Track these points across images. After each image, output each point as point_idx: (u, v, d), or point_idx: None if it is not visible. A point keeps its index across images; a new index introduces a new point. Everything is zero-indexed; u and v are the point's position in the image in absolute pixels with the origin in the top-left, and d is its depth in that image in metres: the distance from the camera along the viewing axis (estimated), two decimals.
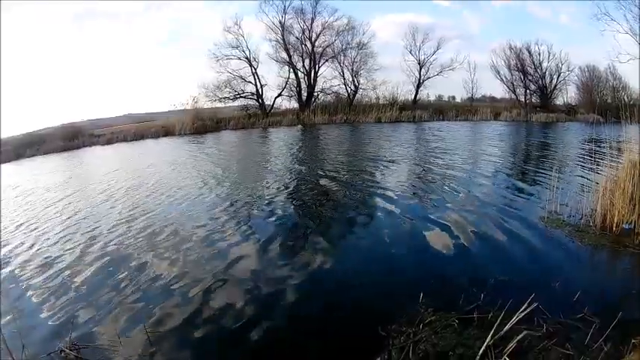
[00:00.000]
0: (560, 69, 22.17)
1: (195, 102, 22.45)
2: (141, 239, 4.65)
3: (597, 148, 5.93)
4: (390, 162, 9.10)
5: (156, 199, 6.69)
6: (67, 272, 3.94)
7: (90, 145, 19.79)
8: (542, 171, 7.33)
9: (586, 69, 21.46)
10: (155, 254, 4.13)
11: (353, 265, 3.65)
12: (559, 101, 22.83)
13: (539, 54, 22.26)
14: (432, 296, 2.92)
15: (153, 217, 5.52)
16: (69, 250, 4.60)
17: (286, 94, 24.89)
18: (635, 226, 3.66)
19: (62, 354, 2.61)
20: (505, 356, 2.46)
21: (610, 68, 20.29)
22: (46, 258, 4.43)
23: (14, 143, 19.39)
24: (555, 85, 22.46)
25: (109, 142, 19.96)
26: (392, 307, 2.82)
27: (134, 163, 12.48)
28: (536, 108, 21.99)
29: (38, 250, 4.76)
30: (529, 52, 22.46)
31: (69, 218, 6.07)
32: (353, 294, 3.12)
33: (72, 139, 19.81)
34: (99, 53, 39.40)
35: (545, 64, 22.32)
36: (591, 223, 3.98)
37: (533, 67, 22.48)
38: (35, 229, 5.73)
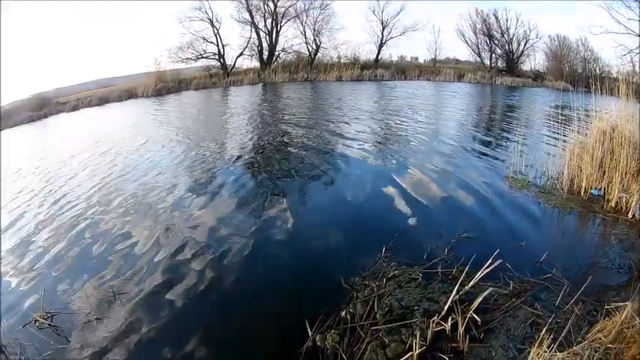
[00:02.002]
0: (528, 36, 19.48)
1: (158, 64, 19.39)
2: (107, 206, 3.95)
3: (564, 115, 5.03)
4: (349, 119, 7.78)
5: (120, 163, 5.63)
6: (37, 242, 3.34)
7: (56, 113, 17.10)
8: (507, 133, 6.39)
9: (556, 38, 19.05)
10: (122, 220, 3.50)
11: (316, 220, 3.10)
12: (526, 67, 20.25)
13: (507, 20, 19.68)
14: (395, 251, 2.46)
15: (119, 183, 4.67)
16: (38, 219, 3.90)
17: (248, 53, 21.64)
18: (604, 193, 3.05)
19: (36, 323, 2.20)
20: (471, 312, 1.94)
21: (582, 39, 17.83)
22: (15, 228, 3.76)
23: None
24: (522, 51, 19.83)
25: (74, 108, 17.22)
26: (355, 261, 2.37)
27: (96, 127, 10.79)
28: (502, 72, 19.57)
29: (6, 221, 4.02)
30: (496, 18, 19.90)
31: (35, 188, 5.11)
32: (316, 248, 2.64)
33: (39, 109, 17.16)
34: (65, 20, 31.68)
35: (512, 30, 19.70)
36: (558, 187, 3.42)
37: (500, 32, 19.84)
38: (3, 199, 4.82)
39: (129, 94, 18.16)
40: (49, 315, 2.21)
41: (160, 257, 2.71)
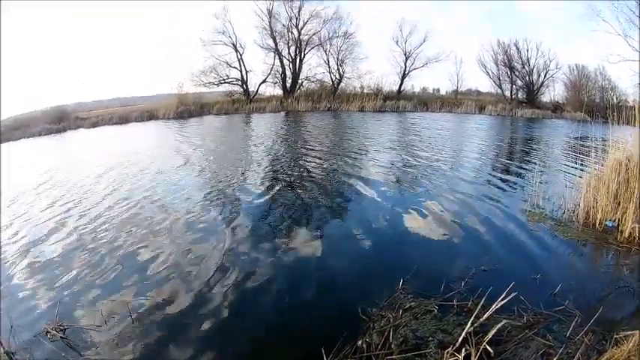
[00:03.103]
0: (548, 66, 20.51)
1: (181, 86, 20.71)
2: (126, 223, 4.24)
3: (583, 146, 5.33)
4: (373, 150, 8.37)
5: (140, 183, 6.08)
6: (53, 254, 3.60)
7: (75, 128, 18.13)
8: (526, 165, 6.77)
9: (575, 67, 20.02)
10: (140, 238, 3.77)
11: (334, 250, 3.32)
12: (545, 98, 21.24)
13: (527, 50, 20.66)
14: (412, 283, 2.65)
15: (138, 202, 5.03)
16: (54, 232, 4.19)
17: (271, 80, 22.93)
18: (618, 224, 3.27)
19: (48, 335, 2.38)
20: (485, 344, 2.15)
21: (600, 68, 18.84)
22: (32, 240, 4.03)
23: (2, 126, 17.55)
24: (542, 82, 20.83)
25: (94, 125, 18.29)
26: (372, 292, 2.56)
27: (118, 146, 11.48)
28: (522, 103, 20.50)
29: (23, 233, 4.32)
30: (517, 48, 20.90)
31: (53, 201, 5.49)
32: (333, 278, 2.85)
33: (58, 122, 18.23)
34: (91, 36, 35.11)
35: (532, 61, 20.68)
36: (574, 219, 3.63)
37: (520, 62, 20.84)
38: (20, 212, 5.17)
39: (150, 115, 19.05)
40: (61, 328, 2.38)
41: (178, 279, 2.91)
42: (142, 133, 14.78)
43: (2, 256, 3.74)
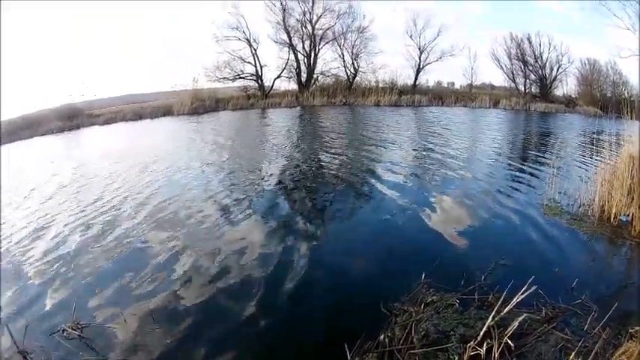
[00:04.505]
0: (561, 60, 21.53)
1: (196, 82, 21.29)
2: (143, 219, 4.41)
3: (597, 140, 5.70)
4: (390, 144, 8.80)
5: (156, 178, 6.35)
6: (70, 251, 3.72)
7: (89, 125, 18.58)
8: (542, 159, 7.13)
9: (587, 62, 21.02)
10: (157, 234, 3.93)
11: (355, 244, 3.50)
12: (558, 92, 22.28)
13: (540, 45, 21.67)
14: (433, 277, 2.80)
15: (155, 197, 5.24)
16: (70, 229, 4.35)
17: (286, 75, 23.74)
18: (632, 218, 3.52)
19: (64, 333, 2.45)
20: (506, 338, 2.31)
21: (611, 63, 19.85)
22: (48, 237, 4.18)
23: (9, 126, 17.66)
24: (555, 77, 21.87)
25: (107, 122, 18.77)
26: (394, 286, 2.70)
27: (134, 142, 11.97)
28: (536, 97, 21.41)
29: (39, 229, 4.48)
30: (530, 43, 21.86)
31: (69, 197, 5.74)
32: (355, 273, 2.99)
33: (70, 119, 18.53)
34: (91, 35, 35.70)
35: (545, 55, 21.72)
36: (589, 213, 3.89)
37: (533, 57, 21.86)
38: (37, 209, 5.38)
39: (164, 111, 19.57)
40: (79, 326, 2.45)
41: (198, 277, 3.03)
42: (156, 129, 15.23)
43: (19, 254, 3.83)
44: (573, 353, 2.11)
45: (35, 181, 7.08)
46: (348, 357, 2.18)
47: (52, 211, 5.09)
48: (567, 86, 22.14)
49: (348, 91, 22.50)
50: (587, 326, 2.50)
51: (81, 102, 21.07)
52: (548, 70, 21.78)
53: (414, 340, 2.36)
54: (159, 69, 36.67)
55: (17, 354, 2.28)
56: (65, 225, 4.48)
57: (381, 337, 2.33)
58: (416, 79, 24.47)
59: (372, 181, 5.50)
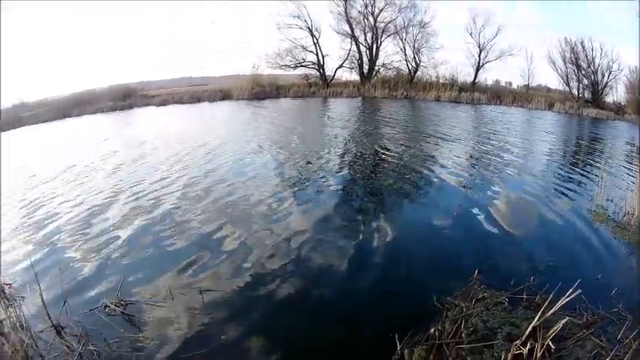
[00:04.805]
0: (611, 67, 21.39)
1: (256, 68, 21.86)
2: (197, 204, 4.39)
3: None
4: (449, 141, 8.93)
5: (214, 161, 6.44)
6: (122, 230, 3.73)
7: (142, 105, 18.55)
8: (592, 165, 7.27)
9: (635, 69, 20.70)
10: (211, 216, 3.96)
11: (409, 237, 3.54)
12: (609, 99, 22.31)
13: (592, 50, 21.55)
14: (485, 273, 2.82)
15: (210, 179, 5.32)
16: (125, 208, 4.37)
17: (347, 65, 24.26)
18: None
19: (106, 309, 2.41)
20: (548, 340, 2.32)
21: None
22: (102, 215, 4.20)
23: (58, 103, 17.95)
24: (606, 83, 21.83)
25: (163, 103, 18.87)
26: (447, 281, 2.72)
27: (194, 125, 12.04)
28: (588, 103, 21.59)
29: (94, 207, 4.50)
30: (583, 47, 21.75)
31: (116, 176, 5.81)
32: (410, 265, 3.00)
33: (123, 98, 18.62)
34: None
35: (597, 61, 21.63)
36: (632, 222, 3.91)
37: (586, 62, 21.81)
38: (86, 185, 5.44)
39: (223, 95, 19.87)
40: (122, 303, 2.41)
41: (248, 261, 3.03)
42: (215, 113, 15.29)
43: (69, 230, 3.84)
44: None
45: (90, 160, 7.08)
46: (398, 347, 2.17)
47: (110, 189, 5.13)
48: (617, 93, 22.26)
49: (409, 85, 22.85)
50: (620, 335, 2.55)
51: (135, 82, 21.57)
52: (599, 76, 21.84)
53: (463, 335, 2.36)
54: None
55: (50, 328, 2.22)
56: (120, 203, 4.50)
57: (432, 330, 2.33)
58: (475, 76, 24.93)
59: (430, 175, 5.60)
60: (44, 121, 15.71)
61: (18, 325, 2.08)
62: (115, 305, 2.35)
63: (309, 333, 2.28)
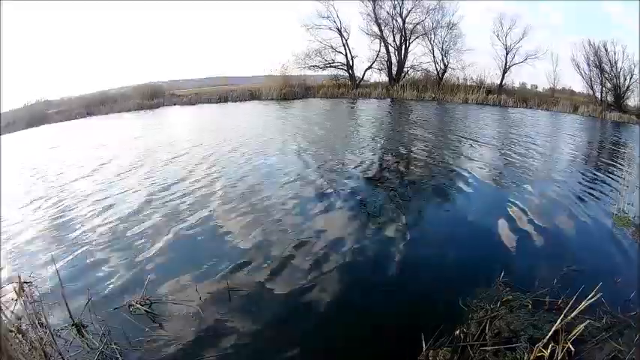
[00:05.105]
0: (633, 70, 21.40)
1: (285, 69, 21.82)
2: (226, 201, 4.46)
3: None
4: (473, 143, 9.04)
5: (241, 159, 6.51)
6: (140, 226, 3.77)
7: (170, 104, 18.55)
8: (615, 169, 7.35)
9: None
10: (236, 215, 4.00)
11: (435, 238, 3.59)
12: (631, 102, 22.35)
13: (615, 53, 21.61)
14: (509, 276, 2.84)
15: (236, 178, 5.38)
16: (142, 205, 4.43)
17: (376, 67, 24.45)
18: None
19: (131, 308, 2.42)
20: (569, 342, 2.36)
21: None
22: (128, 213, 4.23)
23: (83, 101, 17.80)
24: (628, 86, 21.86)
25: (191, 102, 18.86)
26: (472, 282, 2.75)
27: (222, 124, 12.13)
28: (610, 106, 21.74)
29: (115, 205, 4.55)
30: (606, 50, 21.78)
31: (142, 174, 5.84)
32: (436, 267, 3.05)
33: (150, 97, 18.57)
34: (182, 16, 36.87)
35: (619, 64, 21.69)
36: None
37: (609, 65, 21.89)
38: (113, 185, 5.43)
39: (251, 95, 19.97)
40: (147, 302, 2.42)
41: (274, 262, 3.05)
42: (244, 112, 15.37)
43: (91, 230, 3.82)
44: None
45: (116, 159, 7.04)
46: (424, 348, 2.18)
47: (136, 187, 5.15)
48: (638, 97, 22.40)
49: (437, 87, 23.01)
50: (636, 339, 2.60)
51: (164, 81, 21.63)
52: (622, 80, 21.87)
53: (487, 337, 2.38)
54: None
55: (71, 326, 2.21)
56: (147, 204, 4.50)
57: (457, 331, 2.36)
58: (502, 79, 25.00)
59: (456, 177, 5.69)
60: (68, 119, 15.60)
61: (37, 322, 2.07)
62: (140, 304, 2.35)
63: (334, 332, 2.31)
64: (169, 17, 35.33)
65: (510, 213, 4.29)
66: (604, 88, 22.41)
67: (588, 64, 22.57)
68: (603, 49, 21.82)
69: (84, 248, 3.39)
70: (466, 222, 3.99)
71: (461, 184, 5.32)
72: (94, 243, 3.49)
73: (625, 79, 21.62)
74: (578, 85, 25.15)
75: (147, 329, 2.19)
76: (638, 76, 21.29)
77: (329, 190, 4.77)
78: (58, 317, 2.30)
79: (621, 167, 7.21)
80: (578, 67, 22.97)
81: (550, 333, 2.38)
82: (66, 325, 2.22)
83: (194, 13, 38.10)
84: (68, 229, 3.85)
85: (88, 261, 3.14)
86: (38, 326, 2.07)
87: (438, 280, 2.83)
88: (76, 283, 2.73)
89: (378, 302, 2.56)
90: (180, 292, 2.61)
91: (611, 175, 6.70)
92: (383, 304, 2.55)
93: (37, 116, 15.33)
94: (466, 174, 5.84)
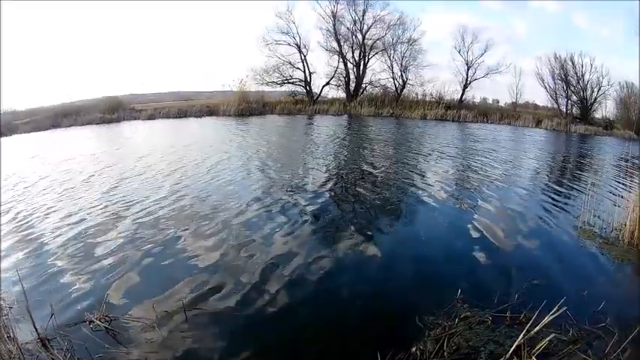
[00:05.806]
0: (601, 82, 22.14)
1: (243, 84, 22.44)
2: (180, 217, 4.62)
3: (632, 165, 6.03)
4: (432, 159, 9.26)
5: (198, 177, 6.70)
6: (103, 244, 3.89)
7: (131, 119, 19.29)
8: (579, 181, 7.50)
9: (625, 85, 21.65)
10: (194, 233, 4.11)
11: (392, 256, 3.66)
12: (598, 115, 23.03)
13: (582, 66, 22.34)
14: (468, 293, 2.93)
15: (193, 196, 5.50)
16: (105, 221, 4.57)
17: (334, 83, 25.24)
18: None
19: (91, 325, 2.52)
20: (533, 357, 2.46)
21: None
22: (82, 228, 4.37)
23: (48, 112, 18.64)
24: (595, 99, 22.55)
25: (150, 117, 19.54)
26: (429, 300, 2.83)
27: (178, 139, 12.43)
28: (576, 119, 22.25)
29: (74, 219, 4.70)
30: (572, 63, 22.51)
31: (105, 190, 6.02)
32: (392, 284, 3.13)
33: (112, 111, 19.36)
34: (144, 29, 39.09)
35: (587, 77, 22.39)
36: (620, 238, 4.04)
37: (575, 78, 22.58)
38: (70, 199, 5.64)
39: (209, 111, 20.59)
40: (107, 318, 2.53)
41: (231, 277, 3.16)
42: (202, 128, 15.90)
43: (49, 241, 4.04)
44: None
45: (81, 174, 7.32)
46: None
47: (102, 204, 5.30)
48: (606, 109, 22.94)
49: (396, 103, 23.41)
50: (607, 349, 2.66)
51: (124, 94, 22.26)
52: (589, 92, 22.46)
53: (445, 353, 2.48)
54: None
55: (37, 340, 2.33)
56: (111, 219, 4.65)
57: (413, 349, 2.45)
58: (462, 94, 25.59)
59: (414, 193, 5.85)
60: (35, 130, 16.38)
61: (6, 336, 2.21)
62: (100, 321, 2.47)
63: (288, 346, 2.41)
64: (132, 29, 36.82)
65: (470, 228, 4.38)
66: (569, 101, 22.77)
67: (553, 77, 23.10)
68: (570, 62, 22.38)
69: (47, 261, 3.53)
70: (424, 238, 4.08)
71: (419, 200, 5.45)
72: (57, 256, 3.62)
73: (592, 92, 22.04)
74: (542, 99, 25.71)
75: (107, 346, 2.30)
76: (607, 88, 21.49)
77: (286, 210, 4.87)
78: (24, 331, 2.40)
79: (586, 179, 7.32)
80: (543, 81, 23.51)
81: (512, 348, 2.47)
82: (32, 339, 2.33)
83: (155, 25, 39.42)
84: (29, 242, 4.02)
85: (51, 274, 3.26)
86: (7, 340, 2.19)
87: (393, 298, 2.91)
88: (40, 297, 2.85)
89: (331, 320, 2.64)
90: (139, 310, 2.70)
91: (575, 187, 6.82)
92: (335, 322, 2.63)
93: (4, 128, 15.83)
94: (424, 190, 5.99)
